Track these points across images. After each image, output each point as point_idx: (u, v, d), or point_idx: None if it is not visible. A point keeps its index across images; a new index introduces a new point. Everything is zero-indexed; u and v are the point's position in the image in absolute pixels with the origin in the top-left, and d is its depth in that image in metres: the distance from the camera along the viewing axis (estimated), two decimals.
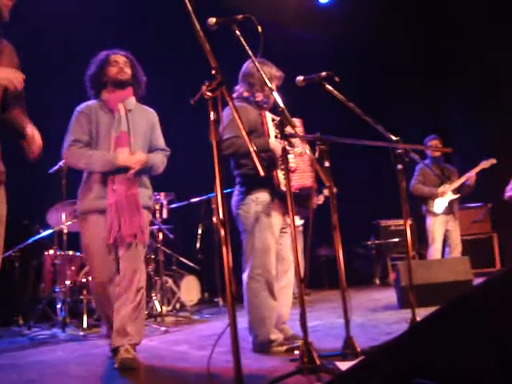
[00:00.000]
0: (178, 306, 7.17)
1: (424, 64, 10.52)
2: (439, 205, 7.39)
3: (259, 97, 4.10)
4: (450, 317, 1.60)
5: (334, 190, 3.81)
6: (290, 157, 3.90)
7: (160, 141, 4.18)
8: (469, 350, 1.53)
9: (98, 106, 3.98)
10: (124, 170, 3.84)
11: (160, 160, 4.10)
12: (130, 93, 4.04)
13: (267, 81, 3.29)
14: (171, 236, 7.11)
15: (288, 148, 3.49)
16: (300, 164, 3.98)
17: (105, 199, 3.82)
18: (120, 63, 3.98)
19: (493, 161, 7.54)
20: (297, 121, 4.07)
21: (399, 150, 3.80)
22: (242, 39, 3.04)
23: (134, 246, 3.82)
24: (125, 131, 3.93)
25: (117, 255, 3.85)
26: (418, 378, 1.53)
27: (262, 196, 3.95)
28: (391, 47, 10.19)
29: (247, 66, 4.17)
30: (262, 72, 3.27)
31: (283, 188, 3.81)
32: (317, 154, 3.59)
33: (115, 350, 3.74)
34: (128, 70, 3.99)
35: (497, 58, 9.57)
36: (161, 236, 6.87)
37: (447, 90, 10.79)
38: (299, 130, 4.02)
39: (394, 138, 3.78)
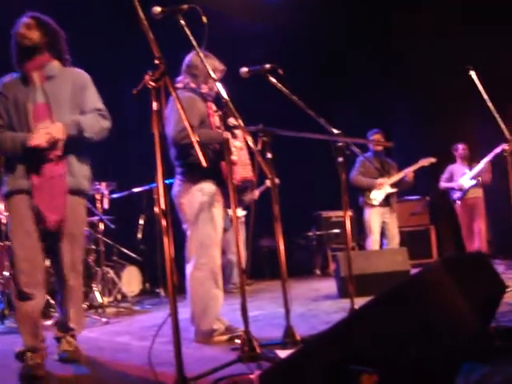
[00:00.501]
0: (119, 296, 7.11)
1: (368, 61, 10.65)
2: (376, 197, 7.52)
3: (204, 89, 4.09)
4: (386, 305, 1.65)
5: (276, 181, 3.86)
6: (232, 149, 3.92)
7: (91, 101, 3.61)
8: (403, 337, 1.58)
9: (18, 80, 3.54)
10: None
11: (92, 122, 3.53)
12: (46, 58, 3.54)
13: (211, 72, 3.30)
14: (112, 226, 7.03)
15: (231, 140, 3.51)
16: (241, 157, 4.01)
17: (29, 179, 3.40)
18: (23, 28, 3.47)
19: (432, 160, 7.72)
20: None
21: (340, 143, 3.86)
22: (186, 29, 3.03)
23: (69, 233, 3.50)
24: (42, 102, 3.45)
25: (47, 242, 3.51)
26: (355, 365, 1.58)
27: (208, 186, 3.95)
28: (336, 42, 10.31)
29: (191, 57, 4.14)
30: (206, 64, 3.27)
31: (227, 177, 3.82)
32: (259, 146, 3.62)
33: (58, 340, 3.69)
34: (32, 34, 3.46)
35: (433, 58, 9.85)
36: (102, 226, 6.78)
37: (391, 87, 10.97)
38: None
39: (335, 131, 3.84)
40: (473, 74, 5.22)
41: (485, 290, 2.54)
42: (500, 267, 7.62)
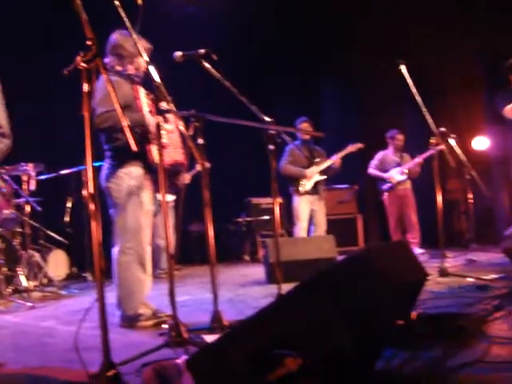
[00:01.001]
0: (45, 281, 6.95)
1: (300, 48, 10.72)
2: (305, 185, 7.62)
3: (131, 70, 4.04)
4: (311, 292, 1.69)
5: (207, 165, 3.86)
6: (163, 133, 3.89)
7: None
8: (327, 323, 1.62)
9: None
10: None
11: None
12: None
13: (144, 53, 3.26)
14: (39, 209, 6.87)
15: (163, 124, 3.47)
16: (172, 140, 3.98)
17: None
18: None
19: (359, 145, 7.89)
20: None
21: (271, 131, 3.89)
22: (120, 10, 2.98)
23: None
24: None
25: None
26: (280, 349, 1.61)
27: (135, 170, 3.91)
28: (267, 28, 10.32)
29: (115, 37, 4.05)
30: (137, 43, 3.22)
31: (157, 162, 3.79)
32: (191, 131, 3.60)
33: None
34: None
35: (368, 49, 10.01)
36: (28, 208, 6.61)
37: (321, 75, 11.11)
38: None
39: (267, 119, 3.86)
40: (403, 67, 5.34)
41: (407, 278, 2.63)
42: (423, 256, 7.88)
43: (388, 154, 8.95)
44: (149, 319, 3.91)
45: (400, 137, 8.83)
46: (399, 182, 8.69)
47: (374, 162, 8.96)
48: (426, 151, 7.08)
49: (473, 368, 2.35)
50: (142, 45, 3.92)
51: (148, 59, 3.77)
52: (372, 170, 8.94)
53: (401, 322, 2.73)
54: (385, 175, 8.76)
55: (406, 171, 8.66)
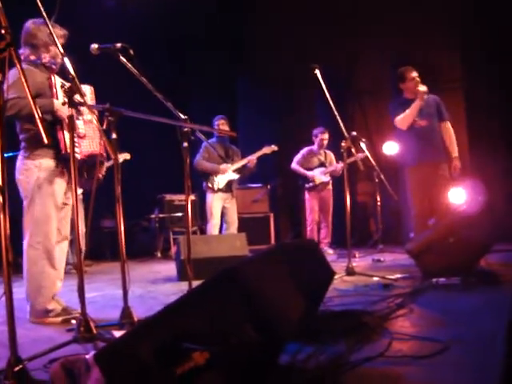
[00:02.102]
0: None
1: (220, 50, 10.76)
2: (219, 182, 7.66)
3: (45, 58, 3.95)
4: (217, 288, 1.73)
5: (127, 157, 3.83)
6: (80, 123, 3.83)
7: None
8: (230, 317, 1.67)
9: None
10: None
11: None
12: None
13: (59, 44, 3.20)
14: None
15: (78, 116, 3.42)
16: (89, 131, 3.93)
17: None
18: None
19: (274, 147, 8.01)
20: (88, 88, 4.00)
21: (186, 129, 3.90)
22: None
23: None
24: None
25: None
26: (187, 343, 1.65)
27: (46, 162, 3.83)
28: (189, 26, 10.31)
29: (28, 26, 3.95)
30: (52, 32, 3.16)
31: (67, 152, 3.72)
32: (105, 125, 3.57)
33: None
34: None
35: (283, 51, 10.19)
36: None
37: (239, 75, 11.19)
38: (90, 97, 3.96)
39: (182, 116, 3.87)
40: (317, 71, 5.47)
41: (315, 276, 2.72)
42: (333, 256, 8.09)
43: (313, 150, 9.07)
44: (58, 315, 3.85)
45: (324, 135, 8.92)
46: (321, 183, 8.87)
47: (298, 157, 9.05)
48: (350, 156, 7.23)
49: (375, 362, 2.46)
50: (57, 32, 3.86)
51: (62, 48, 3.73)
52: (295, 166, 9.03)
53: (307, 318, 2.82)
54: (308, 174, 8.88)
55: (328, 171, 8.85)
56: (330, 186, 8.99)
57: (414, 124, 6.36)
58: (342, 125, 5.58)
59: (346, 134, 5.70)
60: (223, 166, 7.64)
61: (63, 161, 3.85)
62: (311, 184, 8.83)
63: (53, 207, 3.87)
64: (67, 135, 3.75)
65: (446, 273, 4.65)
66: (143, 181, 9.64)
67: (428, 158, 6.31)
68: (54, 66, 3.98)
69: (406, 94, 6.51)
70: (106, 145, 3.37)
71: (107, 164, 4.27)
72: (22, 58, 3.93)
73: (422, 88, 6.27)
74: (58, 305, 3.90)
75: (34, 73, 3.84)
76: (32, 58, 3.94)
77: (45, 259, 3.83)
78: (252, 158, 7.77)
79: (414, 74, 6.43)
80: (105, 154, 3.97)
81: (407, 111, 6.31)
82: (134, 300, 4.22)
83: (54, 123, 3.78)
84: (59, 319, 3.82)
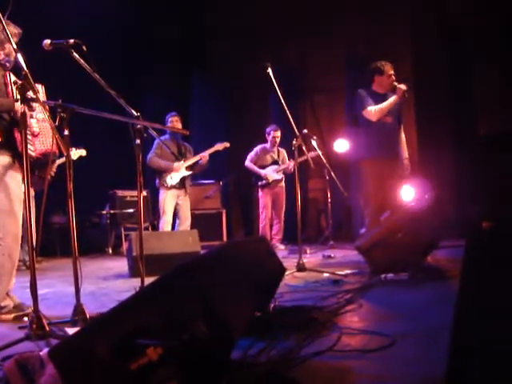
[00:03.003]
0: None
1: (173, 48, 10.73)
2: (172, 179, 7.67)
3: (0, 55, 3.91)
4: (168, 284, 1.76)
5: (83, 153, 3.82)
6: (33, 121, 3.80)
7: None
8: (182, 313, 1.71)
9: None
10: None
11: None
12: None
13: (12, 41, 3.17)
14: None
15: (30, 112, 3.39)
16: (43, 129, 3.89)
17: None
18: None
19: (226, 144, 8.07)
20: (39, 86, 3.97)
21: (138, 126, 3.91)
22: None
23: None
24: None
25: None
26: (141, 339, 1.68)
27: (2, 159, 3.79)
28: (143, 21, 10.26)
29: None
30: (6, 29, 3.13)
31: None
32: (57, 122, 3.56)
33: None
34: None
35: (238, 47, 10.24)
36: None
37: (195, 75, 11.17)
38: (42, 96, 3.93)
39: (135, 113, 3.87)
40: (270, 71, 5.51)
41: (265, 272, 2.77)
42: (284, 252, 8.17)
43: (266, 148, 9.13)
44: (10, 312, 3.82)
45: (276, 133, 8.98)
46: (274, 181, 8.93)
47: (252, 154, 9.11)
48: (302, 156, 7.27)
49: (325, 356, 2.52)
50: (11, 30, 3.83)
51: (15, 46, 3.69)
52: (249, 164, 9.08)
53: (258, 314, 2.87)
54: (261, 172, 8.94)
55: (280, 169, 8.93)
56: (283, 183, 9.06)
57: (381, 118, 6.37)
58: (293, 123, 5.64)
59: (297, 131, 5.76)
60: (176, 165, 7.65)
61: (19, 158, 3.80)
62: (264, 182, 8.89)
63: (13, 202, 3.81)
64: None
65: (394, 268, 4.75)
66: (94, 176, 9.53)
67: (386, 154, 6.31)
68: (8, 64, 3.94)
69: (377, 88, 6.50)
70: (59, 142, 3.36)
71: (59, 161, 4.24)
72: None
73: (403, 86, 6.30)
74: (10, 301, 3.87)
75: None
76: None
77: (5, 255, 3.79)
78: (204, 155, 7.81)
79: (392, 71, 6.46)
80: (57, 152, 3.94)
81: (384, 104, 6.30)
82: (85, 297, 4.22)
83: (11, 123, 3.73)
84: (11, 316, 3.79)
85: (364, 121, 6.44)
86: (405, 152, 6.56)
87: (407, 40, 9.56)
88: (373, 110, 6.30)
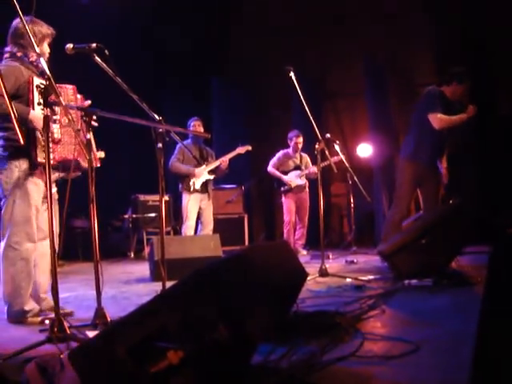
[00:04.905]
0: None
1: (195, 52, 10.77)
2: (195, 183, 7.68)
3: (33, 57, 3.93)
4: (192, 288, 1.76)
5: (102, 155, 3.84)
6: (55, 126, 3.82)
7: None
8: (202, 317, 1.70)
9: None
10: None
11: None
12: None
13: (35, 45, 3.19)
14: None
15: (54, 117, 3.42)
16: (65, 135, 3.91)
17: None
18: None
19: (248, 147, 8.04)
20: (70, 88, 4.00)
21: (160, 130, 3.92)
22: None
23: None
24: None
25: None
26: (160, 341, 1.67)
27: (24, 164, 3.83)
28: (164, 27, 10.31)
29: (16, 25, 3.92)
30: (29, 32, 3.16)
31: (41, 160, 3.73)
32: (79, 126, 3.59)
33: None
34: None
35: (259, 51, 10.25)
36: None
37: (216, 78, 11.20)
38: (72, 98, 3.95)
39: (157, 117, 3.89)
40: (292, 75, 5.49)
41: (287, 277, 2.76)
42: (306, 257, 8.15)
43: (288, 153, 9.10)
44: (36, 315, 3.86)
45: (298, 139, 8.92)
46: (297, 186, 8.91)
47: (274, 160, 9.09)
48: (324, 160, 7.25)
49: (347, 362, 2.51)
50: (44, 32, 3.90)
51: (47, 45, 3.75)
52: (271, 169, 9.06)
53: (280, 319, 2.86)
54: (284, 178, 8.91)
55: (303, 174, 8.89)
56: (307, 188, 9.02)
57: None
58: (315, 127, 5.62)
59: (319, 136, 5.74)
60: (198, 170, 7.65)
61: (39, 164, 3.83)
62: (286, 187, 8.87)
63: (32, 208, 3.85)
64: (39, 144, 3.74)
65: (418, 274, 4.72)
66: (117, 181, 9.60)
67: (431, 161, 6.20)
68: (40, 65, 3.97)
69: (447, 92, 6.11)
70: (81, 146, 3.38)
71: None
72: (8, 55, 3.92)
73: (474, 108, 5.97)
74: (35, 305, 3.91)
75: (20, 70, 3.83)
76: (19, 54, 3.91)
77: (23, 260, 3.83)
78: (224, 159, 7.80)
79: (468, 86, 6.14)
80: (81, 161, 3.96)
81: (454, 118, 5.98)
82: (107, 301, 4.23)
83: (27, 132, 3.75)
84: (38, 319, 3.82)
85: (424, 121, 6.08)
86: (444, 161, 6.46)
87: (432, 40, 9.46)
88: (440, 118, 5.96)
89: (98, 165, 4.07)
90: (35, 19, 3.90)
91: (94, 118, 3.59)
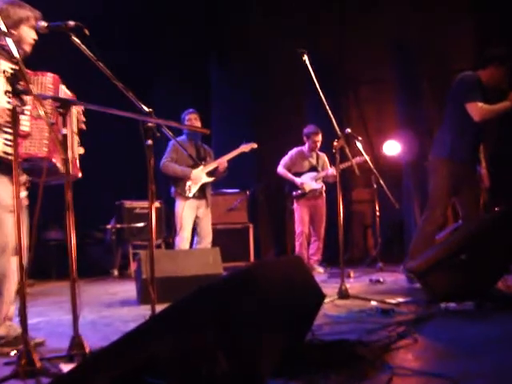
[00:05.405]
0: None
1: (190, 30, 10.78)
2: (191, 187, 7.63)
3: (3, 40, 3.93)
4: (184, 314, 1.74)
5: (81, 151, 3.83)
6: (24, 118, 3.79)
7: None
8: (199, 347, 1.69)
9: None
10: None
11: None
12: None
13: (3, 26, 3.19)
14: None
15: (23, 108, 3.39)
16: (35, 129, 3.88)
17: None
18: None
19: (253, 145, 7.99)
20: (49, 76, 3.97)
21: (150, 124, 3.90)
22: None
23: None
24: None
25: None
26: (148, 373, 1.66)
27: None
28: (156, 6, 10.32)
29: None
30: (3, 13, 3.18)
31: (1, 155, 3.69)
32: (54, 119, 3.58)
33: None
34: None
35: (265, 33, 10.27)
36: None
37: (216, 64, 11.21)
38: (52, 87, 3.93)
39: (146, 109, 3.88)
40: (306, 58, 5.46)
41: (301, 299, 2.74)
42: (323, 275, 8.13)
43: (303, 152, 9.10)
44: (8, 344, 3.84)
45: (316, 137, 8.89)
46: (312, 190, 8.91)
47: (286, 159, 9.07)
48: (345, 161, 7.22)
49: None
50: (21, 13, 3.91)
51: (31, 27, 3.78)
52: (282, 170, 9.04)
53: (292, 350, 2.84)
54: (297, 180, 8.90)
55: (320, 176, 8.86)
56: (323, 194, 9.00)
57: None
58: (334, 121, 5.59)
59: (338, 131, 5.70)
60: (195, 172, 7.59)
61: (5, 164, 3.79)
62: (300, 192, 8.83)
63: (3, 212, 3.82)
64: (2, 137, 3.71)
65: (457, 296, 4.69)
66: (98, 185, 9.60)
67: (470, 159, 6.16)
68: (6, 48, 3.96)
69: (484, 77, 6.07)
70: (56, 142, 3.36)
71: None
72: None
73: None
74: (10, 331, 3.89)
75: None
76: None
77: None
78: (221, 161, 7.74)
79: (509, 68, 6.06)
80: (54, 161, 3.92)
81: (496, 107, 5.90)
82: (85, 327, 4.22)
83: None
84: (8, 349, 3.79)
85: (460, 113, 6.04)
86: (483, 160, 6.42)
87: (470, 26, 9.47)
88: (484, 109, 5.89)
89: (79, 174, 4.07)
90: (17, 1, 3.92)
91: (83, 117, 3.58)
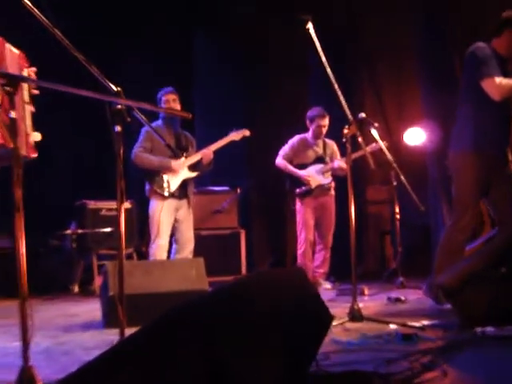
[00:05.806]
0: None
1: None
2: (169, 183, 7.58)
3: None
4: (162, 336, 1.73)
5: (38, 137, 3.82)
6: None
7: None
8: (181, 374, 1.67)
9: None
10: None
11: None
12: None
13: None
14: None
15: None
16: None
17: None
18: None
19: (245, 132, 7.98)
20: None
21: (119, 106, 3.89)
22: None
23: None
24: None
25: None
26: None
27: None
28: None
29: None
30: None
31: None
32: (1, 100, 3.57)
33: None
34: None
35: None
36: None
37: (199, 34, 11.24)
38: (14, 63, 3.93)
39: (114, 88, 3.86)
40: (310, 27, 5.43)
41: (304, 321, 2.73)
42: (331, 293, 8.13)
43: (306, 140, 9.07)
44: None
45: (322, 121, 8.82)
46: (320, 186, 8.90)
47: (286, 149, 9.02)
48: (357, 150, 7.23)
49: None
50: None
51: None
52: (282, 162, 9.00)
53: (294, 382, 2.84)
54: (300, 174, 8.86)
55: (328, 169, 8.80)
56: (333, 191, 8.99)
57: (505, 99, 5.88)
58: (344, 103, 5.57)
59: (349, 116, 5.67)
60: (175, 163, 7.56)
61: None
62: (304, 188, 8.79)
63: None
64: None
65: (497, 319, 4.69)
66: (56, 181, 9.58)
67: (497, 150, 6.07)
68: None
69: (499, 46, 6.05)
70: (1, 126, 3.35)
71: None
72: None
73: None
74: None
75: None
76: None
77: None
78: (206, 152, 7.71)
79: None
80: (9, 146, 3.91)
81: None
82: (38, 356, 4.21)
83: None
84: None
85: (478, 93, 5.97)
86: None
87: None
88: (503, 84, 5.79)
89: (34, 155, 4.05)
90: None
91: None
